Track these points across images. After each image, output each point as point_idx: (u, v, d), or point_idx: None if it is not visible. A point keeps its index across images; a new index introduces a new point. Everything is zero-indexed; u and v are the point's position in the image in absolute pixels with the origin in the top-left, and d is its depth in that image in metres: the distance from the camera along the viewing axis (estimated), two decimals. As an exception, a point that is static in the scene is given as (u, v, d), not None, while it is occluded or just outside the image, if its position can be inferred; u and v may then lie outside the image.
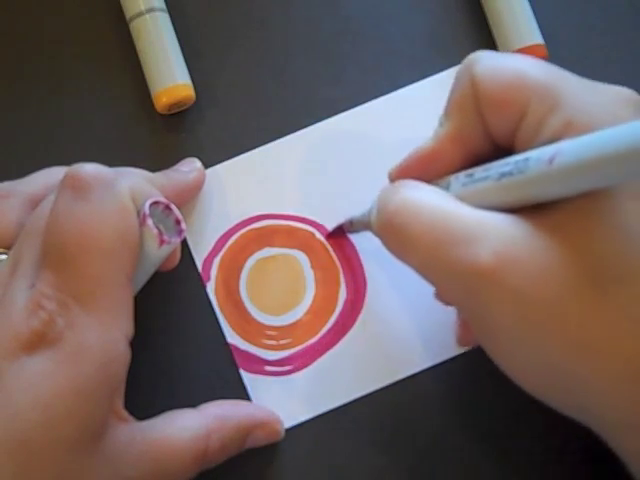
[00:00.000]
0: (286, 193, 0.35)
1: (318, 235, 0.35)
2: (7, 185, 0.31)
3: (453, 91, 0.28)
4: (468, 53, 0.36)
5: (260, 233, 0.35)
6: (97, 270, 0.26)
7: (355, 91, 0.37)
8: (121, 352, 0.27)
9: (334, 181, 0.36)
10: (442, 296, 0.27)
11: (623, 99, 0.25)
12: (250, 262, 0.35)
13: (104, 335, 0.26)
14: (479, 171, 0.26)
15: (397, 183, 0.28)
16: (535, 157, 0.23)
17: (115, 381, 0.27)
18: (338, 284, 0.35)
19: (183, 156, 0.35)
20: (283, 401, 0.33)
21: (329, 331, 0.34)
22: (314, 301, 0.34)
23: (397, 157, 0.35)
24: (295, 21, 0.38)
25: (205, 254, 0.35)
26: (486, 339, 0.25)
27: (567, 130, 0.24)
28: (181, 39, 0.36)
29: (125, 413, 0.28)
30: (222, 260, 0.35)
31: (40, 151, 0.36)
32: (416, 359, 0.33)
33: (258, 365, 0.34)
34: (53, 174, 0.32)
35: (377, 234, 0.28)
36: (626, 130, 0.20)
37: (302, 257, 0.35)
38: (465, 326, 0.30)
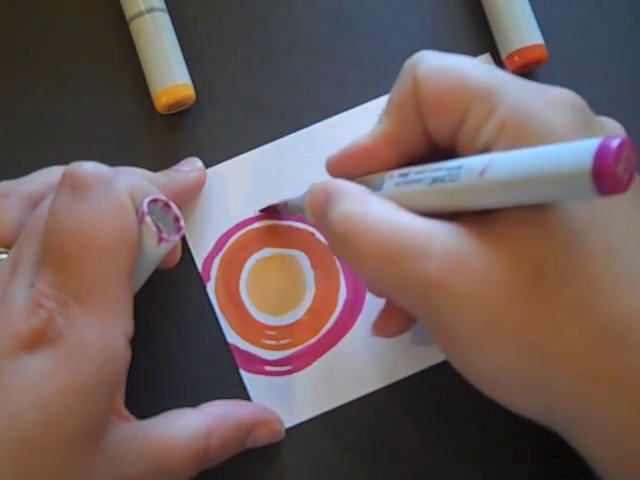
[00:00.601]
0: (286, 193, 0.35)
1: (318, 235, 0.35)
2: (7, 185, 0.31)
3: (395, 90, 0.28)
4: (468, 53, 0.37)
5: (260, 233, 0.35)
6: (96, 269, 0.26)
7: (355, 91, 0.37)
8: (121, 350, 0.27)
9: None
10: (397, 303, 0.27)
11: (561, 101, 0.25)
12: (250, 262, 0.35)
13: (104, 333, 0.26)
14: (413, 172, 0.26)
15: (338, 187, 0.27)
16: (467, 166, 0.23)
17: (115, 379, 0.27)
18: (338, 284, 0.35)
19: (183, 156, 0.35)
20: (283, 401, 0.33)
21: (329, 331, 0.34)
22: (314, 301, 0.34)
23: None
24: (295, 21, 0.38)
25: (205, 254, 0.35)
26: (442, 343, 0.26)
27: (501, 133, 0.24)
28: (181, 39, 0.36)
29: (126, 412, 0.28)
30: (222, 260, 0.35)
31: (40, 151, 0.36)
32: (416, 359, 0.33)
33: (258, 365, 0.34)
34: (53, 174, 0.32)
35: (328, 244, 0.27)
36: (556, 152, 0.20)
37: (302, 257, 0.35)
38: (385, 317, 0.31)
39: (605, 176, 0.19)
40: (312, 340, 0.34)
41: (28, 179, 0.32)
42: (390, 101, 0.28)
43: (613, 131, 0.26)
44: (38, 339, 0.25)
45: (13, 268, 0.27)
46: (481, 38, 0.37)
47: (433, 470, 0.32)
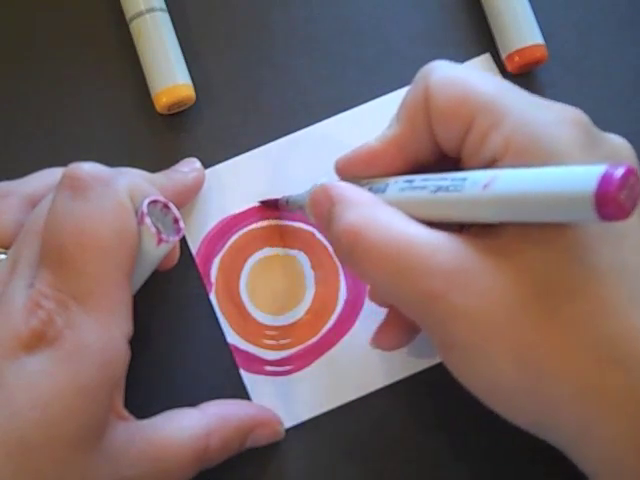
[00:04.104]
0: (285, 193, 0.35)
1: (318, 235, 0.35)
2: (6, 185, 0.31)
3: (407, 96, 0.28)
4: (468, 53, 0.37)
5: (260, 233, 0.35)
6: (96, 269, 0.26)
7: (355, 91, 0.37)
8: (120, 350, 0.27)
9: (334, 181, 0.35)
10: (402, 312, 0.27)
11: (566, 118, 0.25)
12: (250, 262, 0.35)
13: (103, 334, 0.26)
14: (418, 179, 0.26)
15: (342, 193, 0.27)
16: (472, 179, 0.24)
17: (114, 380, 0.27)
18: (338, 284, 0.35)
19: (183, 156, 0.35)
20: (283, 401, 0.33)
21: (329, 331, 0.34)
22: (314, 301, 0.34)
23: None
24: (295, 21, 0.38)
25: (205, 254, 0.35)
26: (444, 354, 0.26)
27: (506, 148, 0.24)
28: (181, 39, 0.36)
29: (125, 412, 0.28)
30: (222, 260, 0.35)
31: (40, 151, 0.36)
32: (416, 359, 0.33)
33: (258, 365, 0.34)
34: (53, 174, 0.32)
35: (334, 252, 0.28)
36: (561, 174, 0.20)
37: (302, 257, 0.35)
38: (385, 331, 0.31)
39: (608, 202, 0.19)
40: (312, 340, 0.34)
41: (28, 179, 0.32)
42: (402, 106, 0.28)
43: (619, 150, 0.26)
44: (37, 339, 0.25)
45: (12, 268, 0.27)
46: (481, 38, 0.37)
47: (433, 470, 0.32)
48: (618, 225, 0.22)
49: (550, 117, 0.25)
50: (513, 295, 0.23)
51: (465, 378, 0.25)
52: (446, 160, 0.28)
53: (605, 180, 0.19)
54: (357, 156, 0.29)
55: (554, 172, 0.21)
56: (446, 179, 0.25)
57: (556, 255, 0.23)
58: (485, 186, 0.23)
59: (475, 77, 0.27)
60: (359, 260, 0.26)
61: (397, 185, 0.27)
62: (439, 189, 0.25)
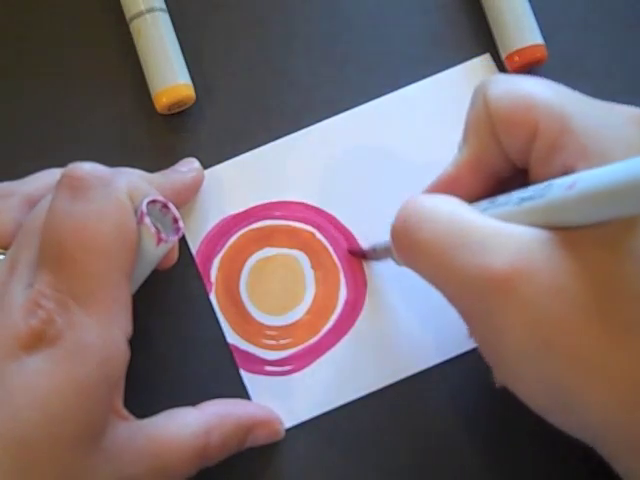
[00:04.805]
0: (286, 193, 0.35)
1: (318, 235, 0.35)
2: (6, 185, 0.31)
3: (468, 115, 0.28)
4: (468, 53, 0.37)
5: (260, 233, 0.35)
6: (95, 269, 0.26)
7: (355, 91, 0.37)
8: (120, 350, 0.27)
9: (334, 181, 0.36)
10: (449, 302, 0.27)
11: (636, 120, 0.25)
12: (250, 262, 0.35)
13: (103, 333, 0.26)
14: (500, 198, 0.26)
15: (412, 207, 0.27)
16: (555, 184, 0.23)
17: (114, 379, 0.27)
18: (338, 284, 0.35)
19: (183, 156, 0.35)
20: (283, 401, 0.33)
21: (329, 331, 0.34)
22: (314, 301, 0.34)
23: (397, 157, 0.36)
24: (295, 21, 0.38)
25: (205, 254, 0.35)
26: (491, 350, 0.25)
27: (582, 157, 0.24)
28: (181, 39, 0.36)
29: (125, 411, 0.28)
30: (222, 260, 0.35)
31: (40, 151, 0.36)
32: (416, 359, 0.33)
33: (258, 365, 0.34)
34: (52, 174, 0.32)
35: (392, 242, 0.27)
36: None
37: (302, 257, 0.35)
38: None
39: None
40: (312, 340, 0.34)
41: (28, 180, 0.32)
42: (466, 128, 0.28)
43: None
44: (37, 339, 0.25)
45: (11, 269, 0.27)
46: (481, 38, 0.37)
47: (433, 470, 0.32)
48: None
49: (620, 120, 0.25)
50: (580, 296, 0.23)
51: (511, 377, 0.25)
52: (522, 175, 0.27)
53: None
54: (438, 185, 0.28)
55: (636, 161, 0.21)
56: (527, 191, 0.25)
57: (625, 259, 0.23)
58: (570, 187, 0.22)
59: (532, 84, 0.26)
60: (415, 234, 0.25)
61: (480, 206, 0.26)
62: (523, 200, 0.24)
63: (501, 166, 0.27)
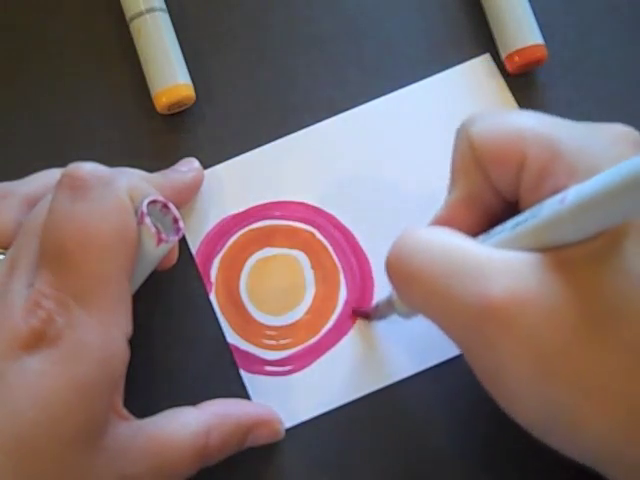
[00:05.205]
0: (286, 193, 0.35)
1: (318, 235, 0.35)
2: (6, 185, 0.31)
3: (453, 157, 0.28)
4: (468, 53, 0.37)
5: (260, 233, 0.35)
6: (96, 268, 0.26)
7: (355, 91, 0.37)
8: (120, 350, 0.27)
9: (334, 181, 0.36)
10: (446, 334, 0.26)
11: (622, 138, 0.25)
12: (250, 262, 0.35)
13: (103, 333, 0.26)
14: (496, 228, 0.26)
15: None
16: (547, 203, 0.23)
17: (114, 379, 0.27)
18: (338, 284, 0.35)
19: (183, 156, 0.35)
20: (283, 401, 0.33)
21: (329, 331, 0.34)
22: (314, 301, 0.34)
23: (397, 157, 0.36)
24: (295, 21, 0.38)
25: (205, 254, 0.35)
26: (491, 380, 0.25)
27: (571, 177, 0.24)
28: (181, 39, 0.36)
29: (125, 411, 0.28)
30: (222, 260, 0.35)
31: (40, 151, 0.36)
32: (416, 360, 0.33)
33: (258, 365, 0.34)
34: (52, 174, 0.32)
35: (387, 275, 0.27)
36: (633, 162, 0.20)
37: (302, 257, 0.35)
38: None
39: None
40: (312, 340, 0.34)
41: (27, 180, 0.32)
42: (452, 168, 0.28)
43: None
44: (38, 339, 0.25)
45: (11, 268, 0.27)
46: (481, 38, 0.37)
47: (434, 470, 0.32)
48: None
49: (607, 138, 0.25)
50: (576, 319, 0.22)
51: (510, 404, 0.25)
52: (515, 208, 0.27)
53: None
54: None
55: (627, 162, 0.21)
56: (520, 216, 0.24)
57: (616, 277, 0.22)
58: (561, 201, 0.22)
59: (515, 116, 0.27)
60: (409, 264, 0.25)
61: (477, 240, 0.26)
62: (517, 224, 0.24)
63: (493, 201, 0.27)
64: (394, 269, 0.26)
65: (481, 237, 0.26)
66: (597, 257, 0.23)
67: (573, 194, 0.22)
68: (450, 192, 0.28)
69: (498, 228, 0.26)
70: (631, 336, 0.22)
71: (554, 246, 0.23)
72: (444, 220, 0.28)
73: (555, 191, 0.24)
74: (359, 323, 0.34)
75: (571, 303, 0.22)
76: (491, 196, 0.27)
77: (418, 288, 0.25)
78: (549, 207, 0.23)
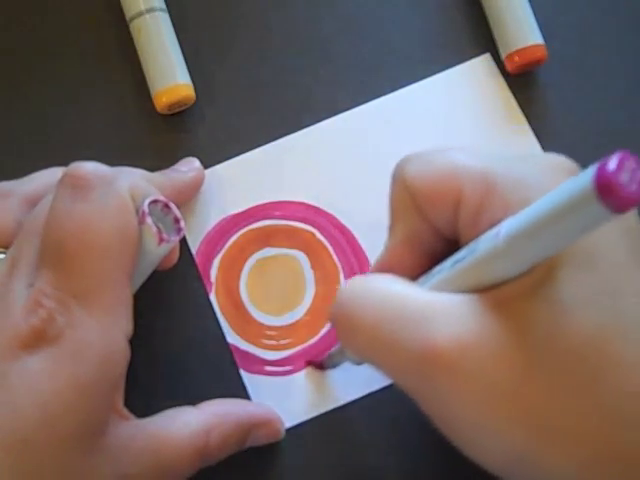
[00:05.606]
0: (286, 193, 0.35)
1: (318, 235, 0.35)
2: (6, 185, 0.31)
3: (390, 200, 0.28)
4: (468, 53, 0.37)
5: (260, 233, 0.35)
6: (96, 268, 0.26)
7: (355, 91, 0.37)
8: (121, 350, 0.27)
9: (334, 181, 0.36)
10: (394, 382, 0.26)
11: (555, 167, 0.24)
12: (250, 262, 0.35)
13: (104, 333, 0.26)
14: (436, 267, 0.26)
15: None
16: (483, 238, 0.23)
17: (115, 379, 0.27)
18: (338, 284, 0.35)
19: (183, 156, 0.35)
20: (283, 401, 0.33)
21: (329, 331, 0.34)
22: (314, 301, 0.34)
23: (397, 157, 0.35)
24: (295, 21, 0.38)
25: (205, 254, 0.35)
26: (445, 424, 0.24)
27: (507, 211, 0.23)
28: (181, 39, 0.36)
29: (125, 411, 0.28)
30: (222, 260, 0.35)
31: (40, 151, 0.36)
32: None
33: (258, 365, 0.34)
34: (53, 174, 0.32)
35: (333, 327, 0.27)
36: (562, 187, 0.20)
37: (302, 257, 0.35)
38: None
39: (610, 187, 0.18)
40: (312, 340, 0.34)
41: (28, 180, 0.32)
42: (390, 212, 0.28)
43: None
44: (38, 339, 0.25)
45: (11, 268, 0.27)
46: (481, 38, 0.37)
47: (434, 470, 0.32)
48: (617, 275, 0.22)
49: (539, 168, 0.24)
50: (517, 359, 0.22)
51: (470, 450, 0.24)
52: (455, 245, 0.27)
53: (601, 169, 0.19)
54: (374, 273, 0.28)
55: (556, 190, 0.21)
56: (459, 253, 0.24)
57: (557, 312, 0.22)
58: (496, 235, 0.22)
59: (448, 154, 0.26)
60: (350, 316, 0.25)
61: (418, 282, 0.26)
62: (456, 262, 0.24)
63: (433, 241, 0.27)
64: (337, 319, 0.26)
65: (422, 278, 0.26)
66: (532, 292, 0.22)
67: (506, 227, 0.22)
68: (390, 235, 0.28)
69: (438, 267, 0.26)
70: (583, 371, 0.22)
71: (492, 283, 0.23)
72: (386, 264, 0.27)
73: (492, 225, 0.23)
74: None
75: (512, 342, 0.22)
76: (430, 236, 0.27)
77: (360, 336, 0.25)
78: (485, 242, 0.23)
